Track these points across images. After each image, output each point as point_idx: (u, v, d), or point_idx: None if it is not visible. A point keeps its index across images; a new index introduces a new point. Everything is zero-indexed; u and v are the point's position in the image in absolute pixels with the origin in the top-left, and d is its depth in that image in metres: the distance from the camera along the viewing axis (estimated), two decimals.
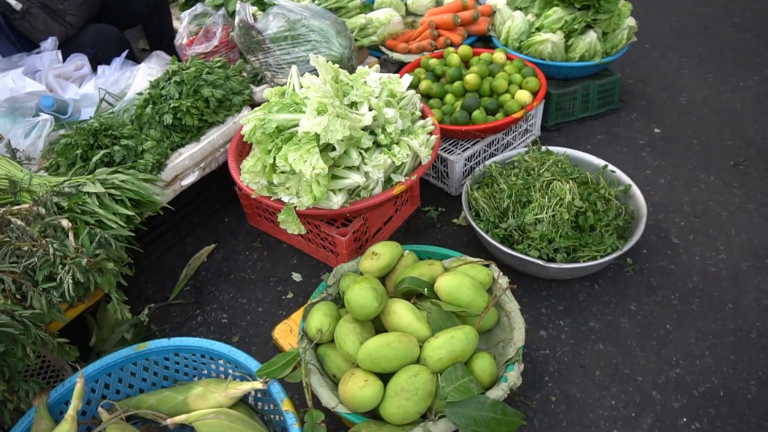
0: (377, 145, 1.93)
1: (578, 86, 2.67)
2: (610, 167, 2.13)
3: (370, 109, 1.91)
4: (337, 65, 2.00)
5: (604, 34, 2.60)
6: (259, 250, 2.27)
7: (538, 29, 2.65)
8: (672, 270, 2.01)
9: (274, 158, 1.77)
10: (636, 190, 2.05)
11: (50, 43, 2.53)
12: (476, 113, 2.28)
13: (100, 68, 2.59)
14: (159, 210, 1.92)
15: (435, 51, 2.78)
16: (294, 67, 2.10)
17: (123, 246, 1.79)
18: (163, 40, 3.07)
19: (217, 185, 2.39)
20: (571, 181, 1.95)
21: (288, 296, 2.07)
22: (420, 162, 1.99)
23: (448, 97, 2.45)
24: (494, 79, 2.42)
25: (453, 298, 1.61)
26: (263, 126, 1.79)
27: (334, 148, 1.78)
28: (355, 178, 1.80)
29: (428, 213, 2.36)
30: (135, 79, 2.38)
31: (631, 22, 2.59)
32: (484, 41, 3.02)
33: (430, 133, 2.08)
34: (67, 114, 2.34)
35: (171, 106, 2.12)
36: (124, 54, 2.61)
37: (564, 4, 2.62)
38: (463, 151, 2.34)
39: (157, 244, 2.29)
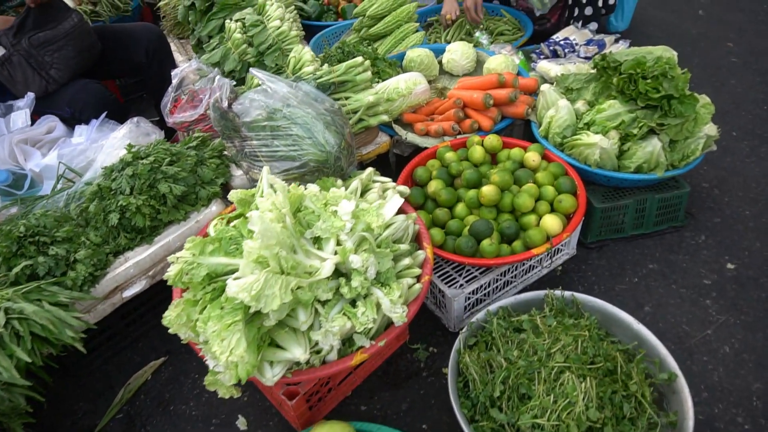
0: (341, 295, 1.52)
1: (631, 200, 2.12)
2: (652, 345, 1.61)
3: (335, 253, 1.51)
4: (302, 188, 1.61)
5: (672, 141, 2.04)
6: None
7: (588, 125, 2.12)
8: None
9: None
10: (683, 385, 1.52)
11: (25, 101, 2.29)
12: (485, 243, 1.81)
13: (78, 129, 2.33)
14: (75, 344, 1.61)
15: (458, 137, 2.32)
16: (265, 170, 1.73)
17: (23, 392, 1.50)
18: (163, 91, 2.78)
19: None
20: (589, 377, 1.45)
21: None
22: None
23: (459, 208, 2.00)
24: (518, 194, 1.93)
25: None
26: (191, 271, 1.43)
27: None
28: (295, 353, 1.40)
29: (416, 352, 1.92)
30: (101, 153, 2.09)
31: (710, 129, 2.01)
32: (525, 122, 2.51)
33: (418, 278, 1.64)
34: (23, 189, 2.09)
35: (119, 203, 1.80)
36: (103, 116, 2.33)
37: (623, 97, 2.07)
38: (468, 280, 1.89)
39: (103, 348, 2.00)
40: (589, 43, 2.96)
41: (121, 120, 2.51)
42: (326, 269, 1.45)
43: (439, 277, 1.92)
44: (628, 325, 1.69)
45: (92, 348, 1.95)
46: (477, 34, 3.09)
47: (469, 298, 1.90)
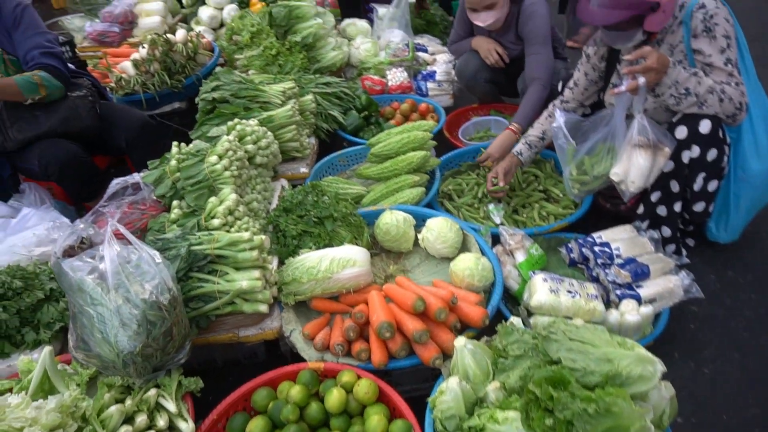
0: None
1: None
2: None
3: None
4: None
5: None
6: None
7: (474, 431, 1.45)
8: None
9: None
10: None
11: None
12: None
13: (25, 210, 2.38)
14: None
15: (340, 360, 1.80)
16: (45, 351, 1.53)
17: None
18: None
19: None
20: None
21: None
22: None
23: None
24: None
25: None
26: None
27: None
28: None
29: None
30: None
31: None
32: None
33: None
34: None
35: None
36: (46, 205, 2.35)
37: (527, 420, 1.36)
38: None
39: None
40: (625, 264, 2.12)
41: (97, 187, 2.52)
42: None
43: None
44: None
45: None
46: (491, 206, 2.46)
47: None
